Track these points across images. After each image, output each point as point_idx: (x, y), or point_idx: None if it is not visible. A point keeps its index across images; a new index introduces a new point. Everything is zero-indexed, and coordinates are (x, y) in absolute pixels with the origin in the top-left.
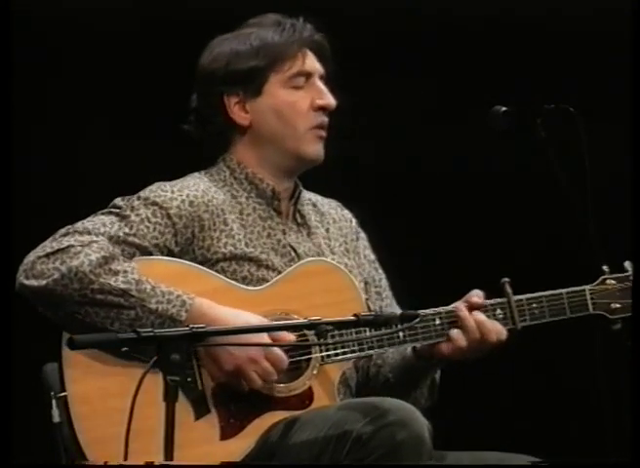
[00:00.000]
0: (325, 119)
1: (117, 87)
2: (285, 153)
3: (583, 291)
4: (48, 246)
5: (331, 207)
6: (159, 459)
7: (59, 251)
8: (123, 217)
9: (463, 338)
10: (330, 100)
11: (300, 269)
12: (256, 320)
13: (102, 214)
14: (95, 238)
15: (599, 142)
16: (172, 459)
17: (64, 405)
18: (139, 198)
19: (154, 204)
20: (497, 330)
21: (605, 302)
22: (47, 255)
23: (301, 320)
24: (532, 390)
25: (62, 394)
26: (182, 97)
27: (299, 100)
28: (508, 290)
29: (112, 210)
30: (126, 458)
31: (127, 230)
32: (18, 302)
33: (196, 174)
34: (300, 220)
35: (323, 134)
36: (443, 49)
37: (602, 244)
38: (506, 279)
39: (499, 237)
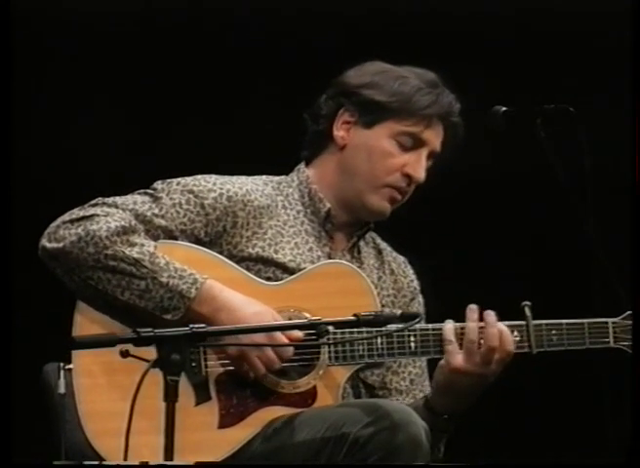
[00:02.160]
0: (405, 186)
1: (117, 83)
2: (353, 192)
3: (606, 323)
4: (75, 213)
5: (395, 260)
6: (157, 439)
7: (83, 218)
8: (156, 199)
9: (451, 328)
10: (419, 175)
11: (320, 269)
12: (265, 312)
13: (138, 193)
14: (121, 211)
15: (599, 142)
16: (172, 459)
17: (71, 377)
18: (178, 183)
19: (191, 192)
20: (501, 330)
21: (627, 338)
22: (71, 221)
23: (302, 320)
24: (531, 391)
25: (70, 366)
26: (182, 95)
27: (394, 156)
28: (528, 313)
29: (148, 190)
30: (126, 458)
31: (156, 211)
32: (18, 303)
33: (257, 176)
34: (355, 254)
35: (397, 196)
36: (443, 49)
37: (604, 246)
38: (527, 302)
39: (502, 243)
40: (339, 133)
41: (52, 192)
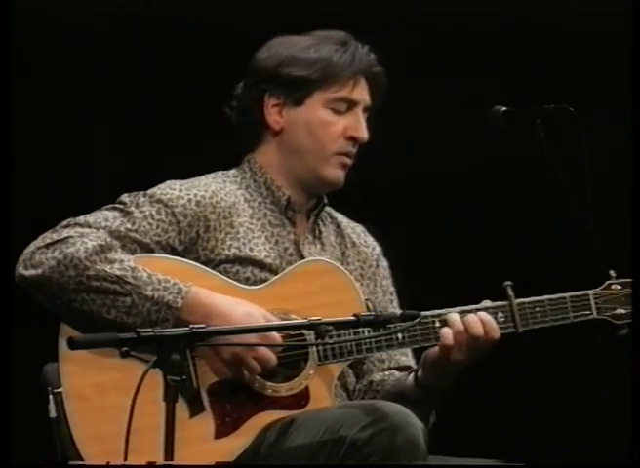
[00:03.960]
0: (352, 149)
1: (117, 84)
2: (306, 169)
3: (587, 295)
4: (48, 237)
5: (354, 231)
6: (158, 457)
7: (57, 241)
8: (126, 213)
9: (449, 333)
10: (363, 135)
11: (300, 269)
12: (256, 311)
13: (107, 209)
14: (94, 231)
15: (599, 142)
16: (172, 459)
17: (62, 400)
18: (145, 195)
19: (159, 201)
20: (485, 320)
21: (610, 307)
22: (46, 246)
23: (301, 320)
24: (531, 391)
25: (60, 389)
26: (184, 95)
27: (334, 124)
28: (510, 293)
29: (117, 205)
30: (126, 458)
31: (129, 226)
32: (18, 302)
33: (213, 173)
34: (317, 235)
35: (347, 161)
36: (443, 49)
37: (604, 246)
38: (509, 282)
39: (500, 238)
40: (271, 117)
41: (52, 192)
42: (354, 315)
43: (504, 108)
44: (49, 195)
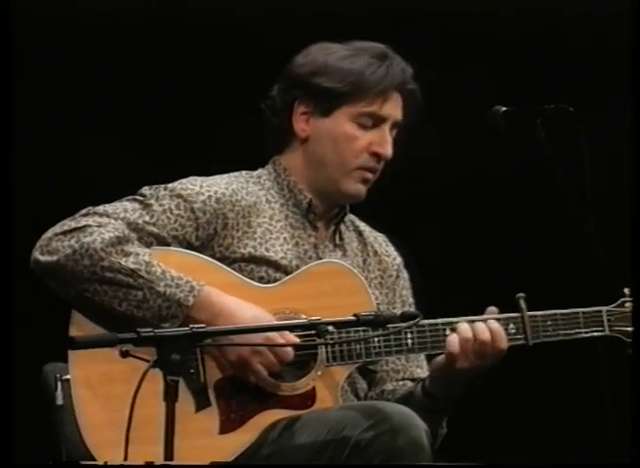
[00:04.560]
0: (375, 165)
1: (117, 84)
2: (327, 180)
3: (600, 311)
4: (66, 224)
5: (376, 240)
6: (158, 448)
7: (75, 229)
8: (146, 206)
9: (456, 340)
10: (387, 151)
11: (313, 269)
12: (263, 315)
13: (127, 200)
14: (113, 221)
15: (599, 142)
16: (172, 459)
17: (69, 388)
18: (165, 188)
19: (179, 196)
20: (493, 329)
21: (622, 325)
22: (64, 233)
23: (302, 320)
24: (532, 392)
25: (67, 377)
26: (182, 97)
27: (359, 138)
28: (523, 305)
29: (137, 197)
30: (126, 458)
31: (147, 219)
32: (18, 302)
33: (237, 172)
34: (337, 242)
35: (369, 176)
36: (443, 49)
37: (604, 246)
38: (522, 294)
39: (499, 239)
40: (298, 125)
41: (52, 192)
42: (354, 315)
43: (504, 108)
44: (49, 195)
